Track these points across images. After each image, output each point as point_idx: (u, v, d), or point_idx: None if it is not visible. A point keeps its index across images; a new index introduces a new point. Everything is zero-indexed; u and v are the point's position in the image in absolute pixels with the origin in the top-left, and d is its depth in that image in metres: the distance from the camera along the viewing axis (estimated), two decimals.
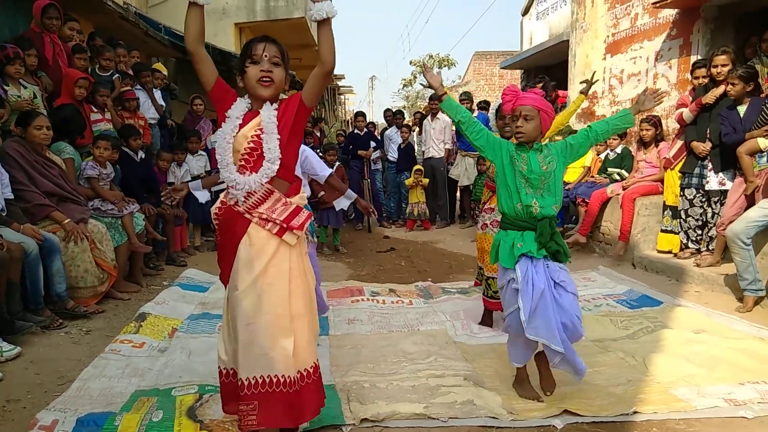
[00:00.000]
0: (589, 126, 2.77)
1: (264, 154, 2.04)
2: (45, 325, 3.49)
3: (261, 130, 2.05)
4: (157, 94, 6.34)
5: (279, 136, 2.05)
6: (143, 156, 5.30)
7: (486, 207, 3.78)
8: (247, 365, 2.02)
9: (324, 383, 2.32)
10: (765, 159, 4.19)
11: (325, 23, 2.00)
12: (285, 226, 2.06)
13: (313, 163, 3.61)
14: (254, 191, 2.05)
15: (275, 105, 2.09)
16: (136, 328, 3.58)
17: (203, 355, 3.25)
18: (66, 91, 4.68)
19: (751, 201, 4.27)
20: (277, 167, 2.06)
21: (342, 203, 3.95)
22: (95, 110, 4.98)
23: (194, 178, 6.06)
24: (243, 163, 2.07)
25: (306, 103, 2.11)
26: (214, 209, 2.17)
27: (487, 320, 3.85)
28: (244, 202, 2.06)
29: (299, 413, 2.08)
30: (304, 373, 2.11)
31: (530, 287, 2.51)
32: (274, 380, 2.02)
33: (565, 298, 2.54)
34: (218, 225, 2.18)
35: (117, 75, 5.67)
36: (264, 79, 2.06)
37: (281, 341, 2.04)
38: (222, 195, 2.17)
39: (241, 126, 2.07)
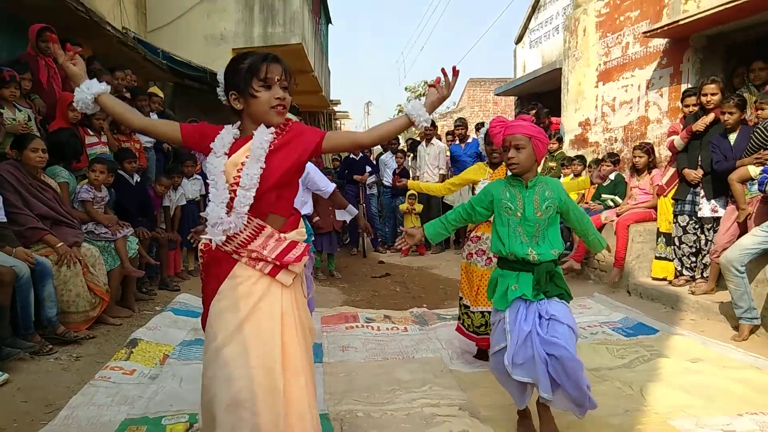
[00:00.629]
0: (585, 217, 2.65)
1: (239, 186, 1.77)
2: (34, 351, 3.42)
3: (247, 156, 1.79)
4: (153, 117, 6.36)
5: (264, 165, 1.77)
6: (138, 179, 5.29)
7: (472, 235, 3.64)
8: None
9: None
10: (756, 187, 4.23)
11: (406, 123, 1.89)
12: (278, 263, 1.78)
13: (315, 178, 3.50)
14: (239, 231, 1.78)
15: (271, 129, 1.82)
16: (127, 355, 3.52)
17: (195, 382, 3.16)
18: (60, 114, 4.68)
19: (743, 228, 4.30)
20: (253, 195, 1.77)
21: (344, 215, 3.86)
22: (91, 133, 4.99)
23: (189, 203, 6.06)
24: (233, 195, 1.80)
25: (323, 148, 1.88)
26: (200, 246, 1.87)
27: (481, 355, 3.62)
28: (229, 243, 1.79)
29: None
30: None
31: (516, 330, 2.38)
32: None
33: (556, 329, 2.33)
34: (202, 265, 1.90)
35: None
36: (279, 107, 1.82)
37: (271, 406, 1.67)
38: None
39: (229, 155, 1.83)
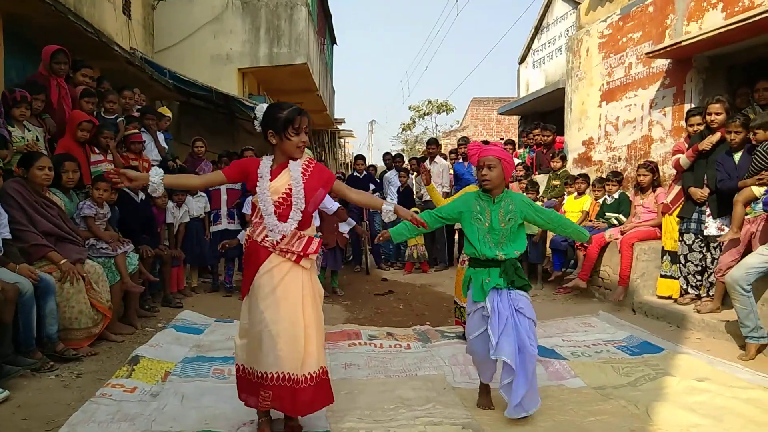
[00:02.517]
0: (553, 216, 3.14)
1: (292, 204, 2.57)
2: (35, 368, 3.42)
3: (290, 185, 2.57)
4: (160, 136, 6.44)
5: (305, 192, 2.57)
6: (143, 197, 5.32)
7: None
8: (266, 363, 2.52)
9: (319, 430, 2.67)
10: (760, 206, 4.22)
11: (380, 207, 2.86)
12: (302, 254, 2.58)
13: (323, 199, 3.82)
14: (286, 234, 2.56)
15: (299, 162, 2.63)
16: (129, 372, 3.49)
17: (196, 399, 3.17)
18: (70, 134, 4.75)
19: (748, 247, 4.28)
20: (301, 211, 2.58)
21: (343, 227, 4.16)
22: (97, 151, 5.03)
23: (193, 220, 6.08)
24: (281, 210, 2.58)
25: (329, 191, 2.75)
26: (245, 238, 2.72)
27: None
28: (267, 240, 2.57)
29: (302, 406, 2.55)
30: (313, 374, 2.56)
31: (496, 315, 2.84)
32: (285, 376, 2.51)
33: (522, 323, 2.84)
34: (246, 251, 2.70)
35: (121, 118, 5.76)
36: (302, 147, 2.63)
37: (294, 345, 2.51)
38: (248, 230, 2.70)
39: (271, 180, 2.59)
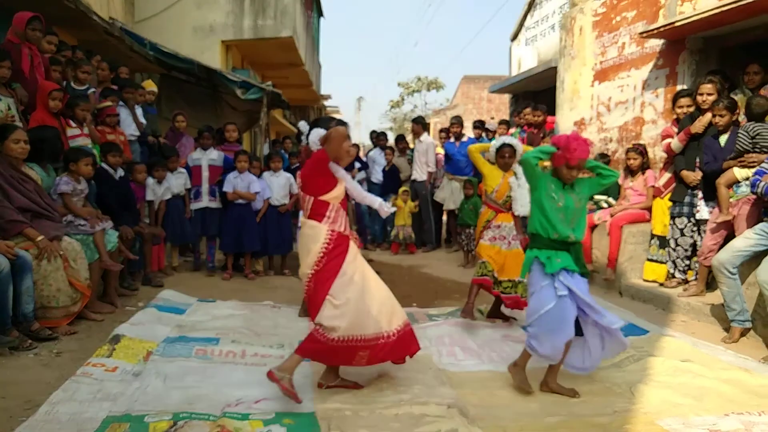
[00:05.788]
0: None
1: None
2: (13, 346, 3.34)
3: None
4: (139, 111, 6.24)
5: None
6: (122, 174, 5.17)
7: (492, 224, 4.36)
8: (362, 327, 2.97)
9: (304, 411, 2.73)
10: (743, 189, 4.23)
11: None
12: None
13: None
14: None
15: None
16: (110, 351, 3.43)
17: (179, 379, 3.13)
18: (41, 104, 4.55)
19: (731, 231, 4.30)
20: None
21: None
22: (73, 125, 4.84)
23: (175, 197, 5.94)
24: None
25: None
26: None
27: (496, 312, 4.53)
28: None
29: (400, 353, 3.12)
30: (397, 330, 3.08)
31: (570, 296, 2.94)
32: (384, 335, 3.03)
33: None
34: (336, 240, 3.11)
35: (93, 89, 5.56)
36: (351, 154, 3.30)
37: (373, 299, 3.07)
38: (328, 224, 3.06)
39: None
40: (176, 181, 5.97)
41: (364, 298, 2.99)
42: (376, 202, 3.51)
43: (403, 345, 3.08)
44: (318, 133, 3.09)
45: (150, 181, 5.62)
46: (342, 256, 3.00)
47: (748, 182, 4.15)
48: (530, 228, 3.14)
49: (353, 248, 3.09)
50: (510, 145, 4.34)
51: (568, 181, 3.03)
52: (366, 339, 2.94)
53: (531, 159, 3.06)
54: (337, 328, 2.91)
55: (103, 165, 4.97)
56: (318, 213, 3.03)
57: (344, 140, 3.01)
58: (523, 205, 4.11)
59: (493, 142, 4.60)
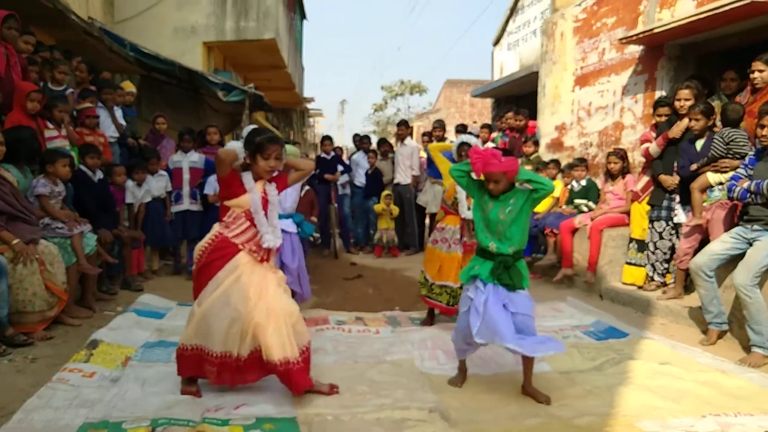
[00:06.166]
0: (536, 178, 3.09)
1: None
2: None
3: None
4: (118, 112, 6.15)
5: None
6: (101, 176, 5.08)
7: (438, 226, 4.41)
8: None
9: (285, 416, 2.66)
10: (716, 192, 4.31)
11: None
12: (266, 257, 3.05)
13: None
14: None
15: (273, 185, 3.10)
16: (87, 357, 3.38)
17: (157, 384, 3.10)
18: (18, 105, 4.45)
19: (705, 235, 4.37)
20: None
21: None
22: (51, 126, 4.76)
23: (155, 200, 5.86)
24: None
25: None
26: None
27: (427, 321, 4.54)
28: (237, 239, 2.97)
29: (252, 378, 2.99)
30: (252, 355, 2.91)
31: (482, 305, 2.95)
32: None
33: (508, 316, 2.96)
34: (214, 246, 3.02)
35: (70, 90, 5.47)
36: (270, 172, 3.03)
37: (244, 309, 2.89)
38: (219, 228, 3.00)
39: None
40: (156, 184, 5.90)
41: (222, 312, 2.86)
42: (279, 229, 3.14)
43: (290, 379, 2.86)
44: (234, 145, 3.09)
45: (129, 183, 5.53)
46: (221, 262, 2.93)
47: (721, 187, 4.23)
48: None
49: (247, 263, 2.94)
50: (468, 144, 4.26)
51: (493, 193, 3.03)
52: (212, 354, 2.90)
53: (453, 172, 3.19)
54: (188, 334, 2.99)
55: (82, 167, 4.89)
56: (221, 215, 3.05)
57: (226, 165, 2.96)
58: (468, 208, 4.07)
59: (454, 140, 4.65)
